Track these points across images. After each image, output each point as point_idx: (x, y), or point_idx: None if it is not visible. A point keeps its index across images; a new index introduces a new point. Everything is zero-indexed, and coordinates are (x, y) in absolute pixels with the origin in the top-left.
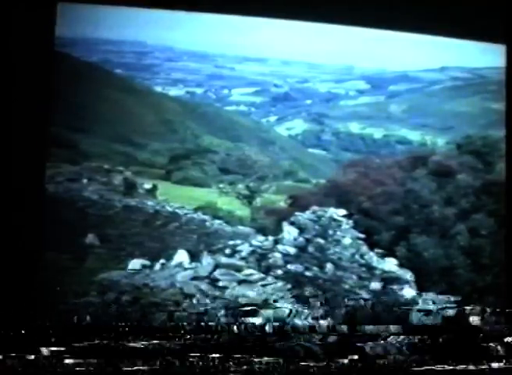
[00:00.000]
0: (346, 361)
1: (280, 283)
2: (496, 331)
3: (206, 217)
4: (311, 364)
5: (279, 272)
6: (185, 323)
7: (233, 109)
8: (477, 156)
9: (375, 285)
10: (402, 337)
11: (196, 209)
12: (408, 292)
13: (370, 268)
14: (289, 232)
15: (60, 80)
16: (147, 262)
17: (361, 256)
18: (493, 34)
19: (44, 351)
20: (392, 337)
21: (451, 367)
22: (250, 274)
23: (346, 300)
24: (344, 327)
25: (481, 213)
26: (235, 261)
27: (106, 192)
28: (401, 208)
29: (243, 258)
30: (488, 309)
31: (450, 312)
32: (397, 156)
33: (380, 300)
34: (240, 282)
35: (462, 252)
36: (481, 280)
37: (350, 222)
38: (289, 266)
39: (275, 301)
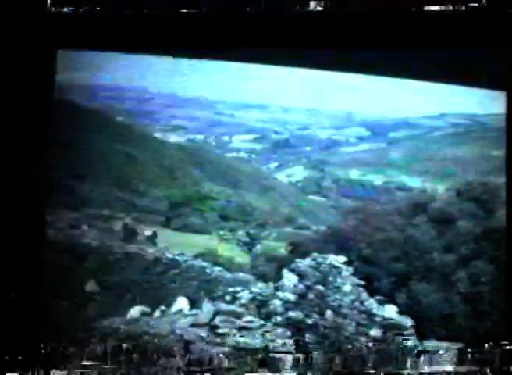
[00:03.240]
0: None
1: (280, 330)
2: None
3: (206, 264)
4: None
5: (279, 318)
6: None
7: (234, 156)
8: (477, 203)
9: (375, 332)
10: None
11: (196, 256)
12: (409, 340)
13: (370, 315)
14: (289, 279)
15: (60, 127)
16: (147, 309)
17: (361, 303)
18: (493, 81)
19: None
20: None
21: None
22: (251, 321)
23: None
24: None
25: (482, 260)
26: (235, 308)
27: (106, 238)
28: (401, 254)
29: (243, 305)
30: None
31: None
32: (397, 203)
33: (380, 347)
34: (240, 329)
35: (462, 299)
36: (482, 327)
37: (350, 269)
38: (289, 313)
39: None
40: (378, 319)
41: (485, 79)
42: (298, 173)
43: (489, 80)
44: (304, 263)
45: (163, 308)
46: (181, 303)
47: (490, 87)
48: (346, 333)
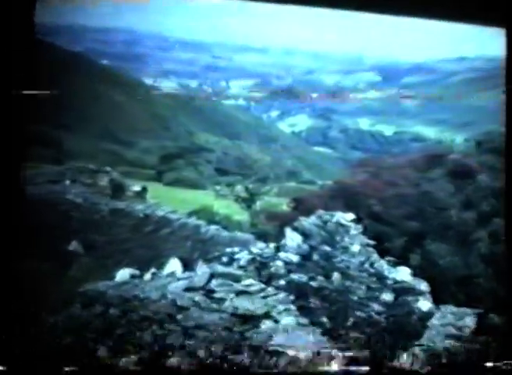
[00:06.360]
0: None
1: (282, 295)
2: None
3: (201, 222)
4: None
5: (281, 282)
6: None
7: (231, 104)
8: (498, 155)
9: (387, 296)
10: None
11: (190, 214)
12: (423, 304)
13: (381, 278)
14: (292, 238)
15: (41, 71)
16: (136, 272)
17: (371, 265)
18: None
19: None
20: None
21: None
22: (250, 285)
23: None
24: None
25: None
26: (233, 270)
27: (91, 195)
28: (415, 212)
29: (241, 267)
30: None
31: None
32: (411, 155)
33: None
34: (239, 293)
35: (482, 260)
36: (504, 290)
37: (359, 227)
38: (292, 276)
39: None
40: (389, 282)
41: (507, 17)
42: (302, 122)
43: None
44: (308, 221)
45: (154, 270)
46: (173, 265)
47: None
48: (355, 298)
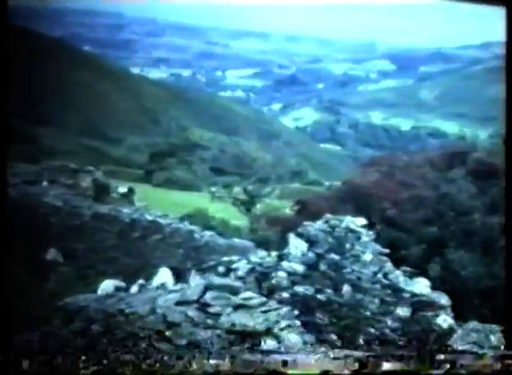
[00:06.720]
0: None
1: (285, 309)
2: None
3: (194, 228)
4: None
5: (285, 295)
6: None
7: (228, 95)
8: None
9: (403, 311)
10: None
11: (182, 218)
12: (444, 320)
13: (396, 290)
14: (296, 246)
15: (16, 60)
16: (121, 284)
17: (385, 276)
18: None
19: None
20: None
21: None
22: (249, 298)
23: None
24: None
25: None
26: (230, 281)
27: (72, 197)
28: (434, 216)
29: (240, 278)
30: None
31: None
32: (429, 152)
33: (409, 329)
34: (237, 307)
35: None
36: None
37: (371, 233)
38: (296, 288)
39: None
40: (406, 295)
41: None
42: (307, 115)
43: None
44: (314, 227)
45: (142, 282)
46: (164, 276)
47: None
48: (367, 313)
